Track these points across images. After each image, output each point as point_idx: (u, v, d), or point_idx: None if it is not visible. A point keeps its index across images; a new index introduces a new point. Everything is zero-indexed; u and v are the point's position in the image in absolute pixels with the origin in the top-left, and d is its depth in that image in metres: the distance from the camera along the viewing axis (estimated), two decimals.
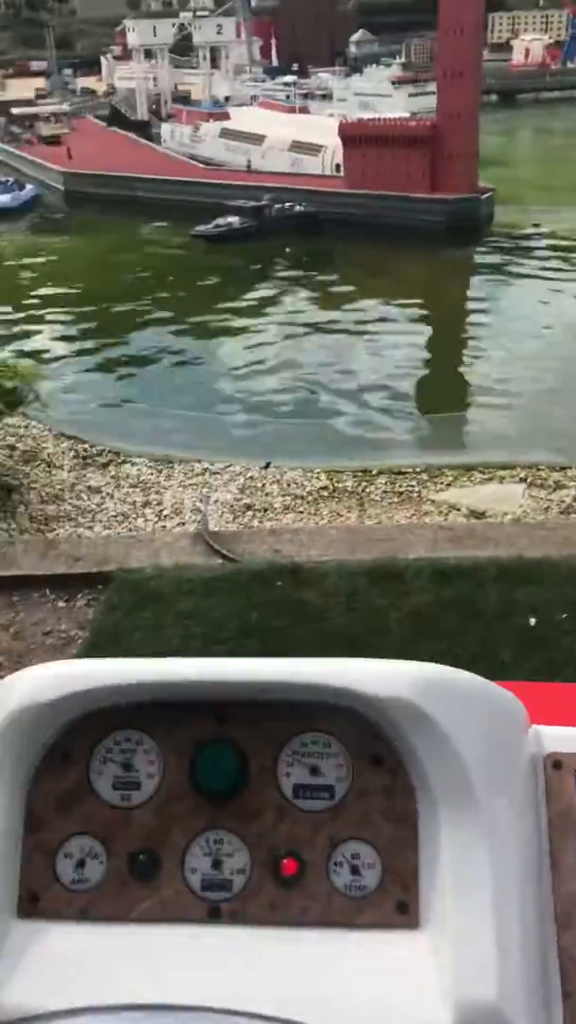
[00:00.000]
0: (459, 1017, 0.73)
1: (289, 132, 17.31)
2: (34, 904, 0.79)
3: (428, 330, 12.15)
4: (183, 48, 26.34)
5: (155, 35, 21.85)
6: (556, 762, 0.88)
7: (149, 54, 23.23)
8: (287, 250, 13.65)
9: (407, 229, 13.88)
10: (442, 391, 9.92)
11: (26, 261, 14.18)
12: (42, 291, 13.04)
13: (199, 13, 23.62)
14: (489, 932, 0.76)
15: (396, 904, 0.79)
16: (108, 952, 0.71)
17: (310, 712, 0.83)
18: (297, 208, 14.44)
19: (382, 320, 11.97)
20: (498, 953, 0.75)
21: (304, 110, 19.06)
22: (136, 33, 21.83)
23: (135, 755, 0.82)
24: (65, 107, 21.83)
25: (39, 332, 11.67)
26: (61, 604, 5.50)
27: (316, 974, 0.76)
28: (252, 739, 0.83)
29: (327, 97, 20.92)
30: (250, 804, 0.82)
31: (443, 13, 13.55)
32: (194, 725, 0.83)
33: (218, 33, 22.51)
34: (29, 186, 16.75)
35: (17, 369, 6.29)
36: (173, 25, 23.45)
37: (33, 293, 13.03)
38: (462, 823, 0.78)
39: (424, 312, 12.34)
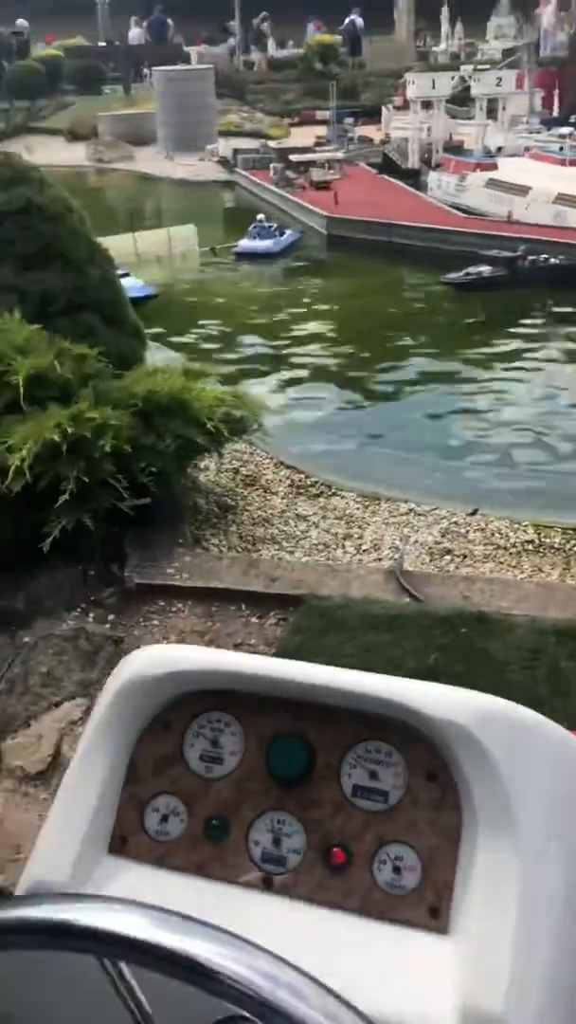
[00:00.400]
0: (464, 1020, 0.80)
1: (555, 184, 17.08)
2: (123, 845, 0.96)
3: None
4: (463, 98, 26.68)
5: (433, 87, 22.31)
6: None
7: (427, 105, 23.77)
8: (538, 303, 13.47)
9: None
10: None
11: (281, 300, 14.97)
12: (292, 329, 13.75)
13: (479, 67, 23.92)
14: (507, 950, 0.82)
15: (429, 908, 0.88)
16: (173, 896, 0.80)
17: (378, 723, 0.95)
18: (552, 260, 14.22)
19: None
20: (512, 971, 0.81)
21: (575, 163, 18.73)
22: (415, 85, 22.43)
23: (223, 734, 0.98)
24: (339, 154, 22.76)
25: (286, 367, 12.31)
26: (254, 620, 5.83)
27: (345, 954, 0.86)
28: (322, 738, 0.96)
29: None
30: (312, 794, 0.95)
31: None
32: (275, 717, 0.97)
33: (497, 85, 22.63)
34: (288, 231, 17.36)
35: (245, 400, 6.74)
36: (452, 78, 23.89)
37: (284, 331, 13.75)
38: (500, 847, 0.86)
39: None
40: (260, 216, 17.94)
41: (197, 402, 6.45)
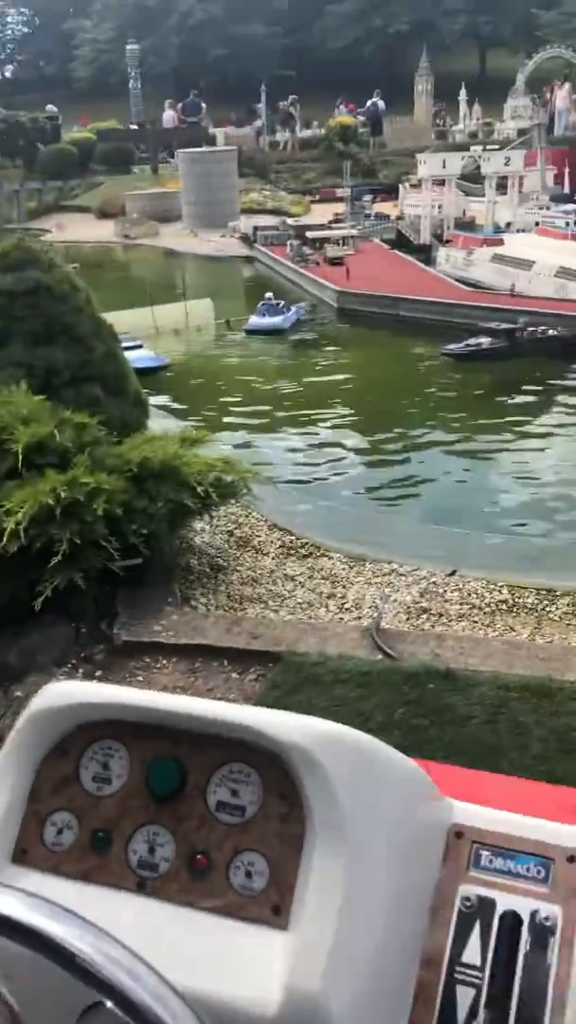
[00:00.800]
0: (285, 1000, 0.91)
1: (559, 258, 17.65)
2: (24, 855, 1.07)
3: None
4: (476, 176, 27.53)
5: (444, 167, 23.20)
6: (458, 832, 1.11)
7: (440, 183, 24.64)
8: (536, 373, 13.90)
9: None
10: None
11: (291, 371, 15.53)
12: (299, 398, 14.26)
13: (489, 147, 24.83)
14: (328, 939, 0.93)
15: (272, 907, 0.99)
16: (60, 899, 0.88)
17: (241, 747, 1.05)
18: (551, 332, 14.69)
19: None
20: (330, 957, 0.92)
21: None
22: (426, 165, 23.33)
23: (112, 758, 1.09)
24: (353, 231, 23.57)
25: (293, 434, 12.77)
26: (235, 675, 6.06)
27: (197, 946, 0.97)
28: (194, 760, 1.07)
29: None
30: (183, 809, 1.05)
31: None
32: (155, 743, 1.08)
33: (505, 164, 23.47)
34: (294, 307, 18.09)
35: (235, 466, 7.10)
36: (463, 158, 24.80)
37: (291, 400, 14.25)
38: (332, 853, 0.97)
39: None
40: (268, 295, 18.62)
41: (188, 468, 6.83)
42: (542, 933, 1.00)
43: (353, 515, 9.43)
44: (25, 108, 46.20)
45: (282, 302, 18.28)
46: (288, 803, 1.00)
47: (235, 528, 8.25)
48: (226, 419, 13.45)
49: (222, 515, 8.34)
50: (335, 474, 10.96)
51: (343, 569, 7.46)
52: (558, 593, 6.88)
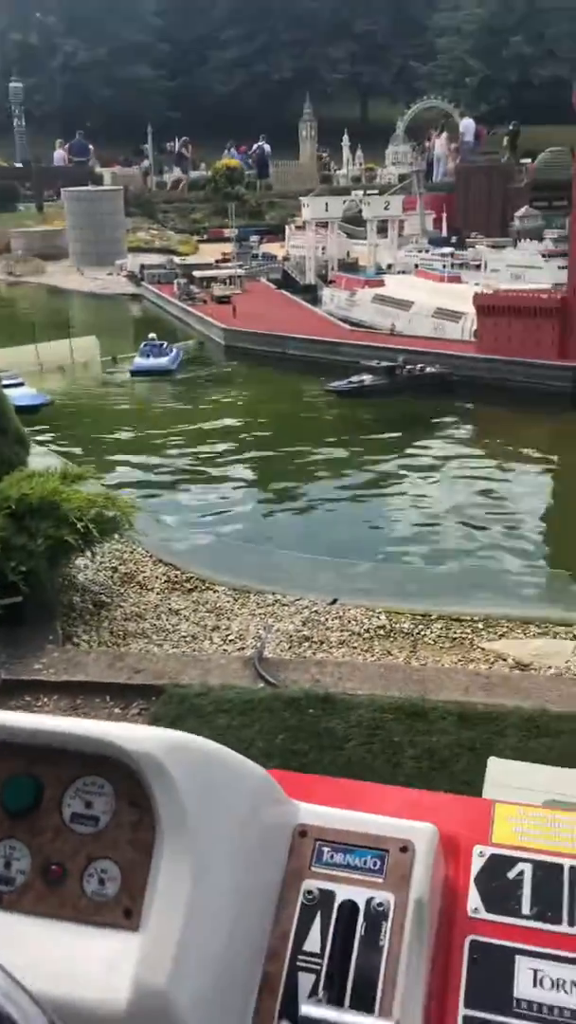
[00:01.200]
0: (134, 997, 0.93)
1: (435, 300, 18.39)
2: None
3: (546, 490, 12.46)
4: (360, 219, 28.39)
5: (326, 210, 23.90)
6: (303, 831, 1.16)
7: (323, 225, 25.35)
8: (416, 409, 14.43)
9: (534, 393, 14.38)
10: (549, 548, 10.16)
11: (177, 406, 15.65)
12: (182, 432, 14.37)
13: (369, 192, 25.75)
14: (174, 938, 0.96)
15: (124, 910, 1.01)
16: None
17: (94, 760, 1.06)
18: (428, 369, 15.29)
19: (500, 477, 12.41)
20: (176, 954, 0.95)
21: (455, 279, 20.21)
22: (310, 208, 23.99)
23: None
24: (240, 271, 23.98)
25: (178, 469, 12.86)
26: (117, 710, 6.05)
27: (51, 953, 0.99)
28: (49, 776, 1.08)
29: (482, 268, 22.05)
30: (39, 823, 1.07)
31: None
32: (11, 760, 1.09)
33: (385, 208, 24.34)
34: (175, 347, 18.26)
35: (116, 501, 7.13)
36: (344, 201, 25.61)
37: (175, 435, 14.34)
38: (178, 856, 0.99)
39: (542, 472, 12.69)
40: (152, 335, 18.52)
41: (68, 503, 6.82)
42: (376, 919, 1.06)
43: (238, 549, 9.56)
44: None
45: (164, 342, 18.35)
46: (139, 811, 1.03)
47: (119, 564, 8.25)
48: (113, 456, 13.44)
49: (106, 551, 8.33)
50: (222, 509, 11.09)
51: (228, 601, 7.56)
52: (433, 617, 7.16)
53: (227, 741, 3.89)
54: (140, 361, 17.77)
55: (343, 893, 1.08)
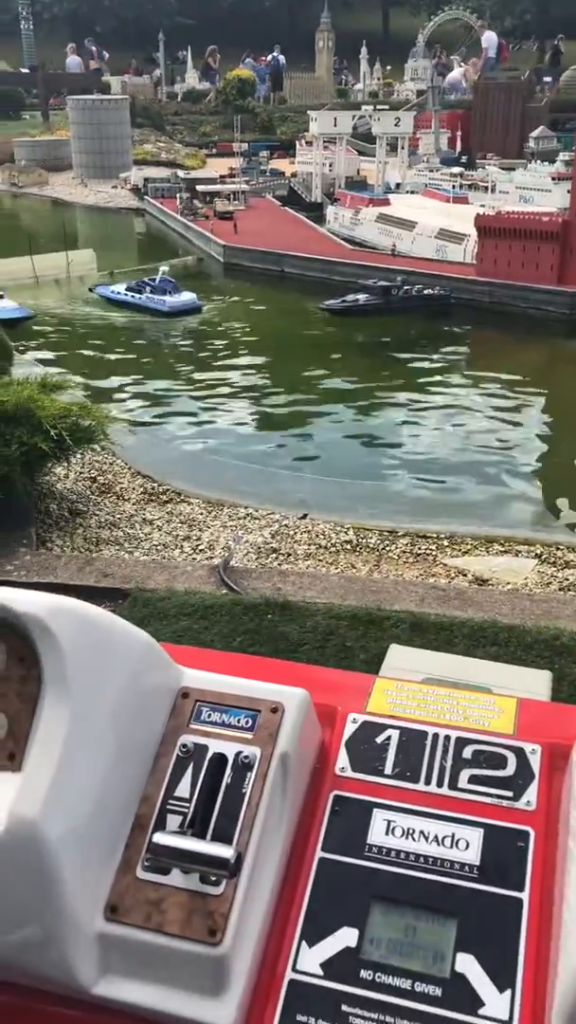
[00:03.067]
0: (7, 825, 1.01)
1: (439, 220, 18.07)
2: None
3: (535, 414, 12.43)
4: (371, 136, 27.73)
5: (335, 125, 23.32)
6: (185, 693, 1.24)
7: (332, 141, 24.77)
8: (411, 331, 14.32)
9: (531, 318, 14.25)
10: (531, 471, 10.20)
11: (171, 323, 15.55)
12: (175, 347, 14.34)
13: (380, 107, 25.02)
14: (48, 774, 1.04)
15: (8, 754, 1.09)
16: None
17: None
18: (426, 291, 15.13)
19: (491, 403, 12.39)
20: (49, 788, 1.03)
21: (462, 200, 19.82)
22: (317, 123, 23.40)
23: None
24: (244, 186, 23.53)
25: (165, 382, 12.86)
26: None
27: None
28: None
29: (491, 189, 21.59)
30: None
31: None
32: None
33: (395, 125, 23.72)
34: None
35: (91, 410, 7.20)
36: (354, 117, 24.95)
37: (168, 350, 14.30)
38: (59, 705, 1.08)
39: (534, 397, 12.65)
40: (164, 268, 17.04)
41: (43, 411, 6.90)
42: (242, 769, 1.14)
43: (215, 463, 9.65)
44: None
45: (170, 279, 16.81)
46: (26, 667, 1.11)
47: (98, 475, 8.36)
48: (101, 370, 13.43)
49: (86, 462, 8.45)
50: (207, 424, 11.15)
51: (201, 514, 7.68)
52: (400, 533, 7.27)
53: (186, 642, 4.05)
54: (173, 300, 16.13)
55: (215, 747, 1.17)
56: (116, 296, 16.48)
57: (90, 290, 16.89)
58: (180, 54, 46.86)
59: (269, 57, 43.15)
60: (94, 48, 41.35)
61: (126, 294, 16.44)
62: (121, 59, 46.40)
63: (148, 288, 16.42)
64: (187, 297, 16.35)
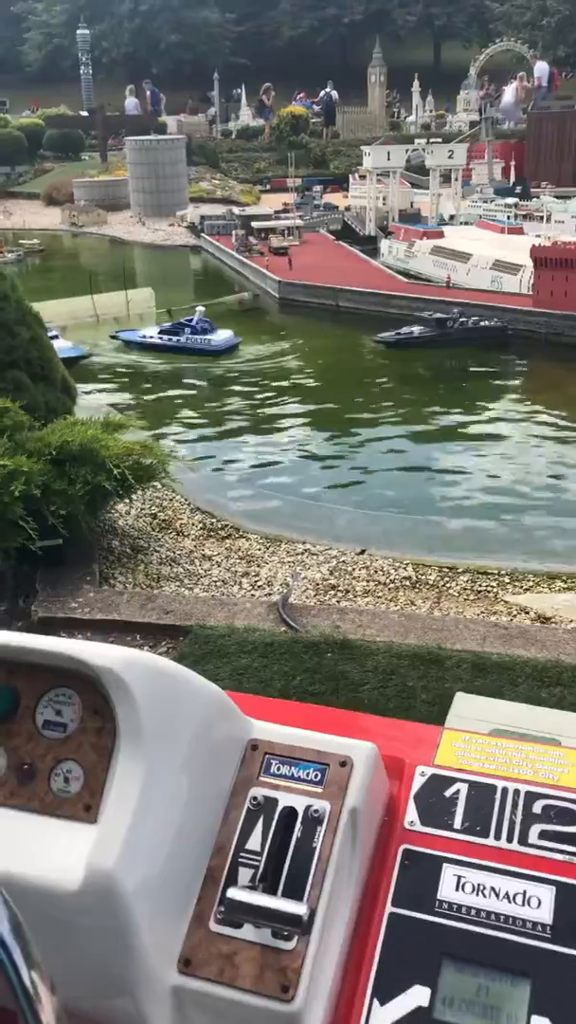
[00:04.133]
0: (85, 876, 1.05)
1: (494, 252, 18.08)
2: None
3: None
4: (424, 168, 27.85)
5: (388, 159, 23.53)
6: (254, 745, 1.27)
7: (386, 174, 24.98)
8: (467, 363, 14.32)
9: None
10: None
11: (231, 359, 15.74)
12: (230, 384, 14.52)
13: (433, 140, 25.20)
14: (124, 827, 1.07)
15: (84, 806, 1.13)
16: None
17: (64, 673, 1.18)
18: (482, 323, 15.12)
19: (548, 434, 12.30)
20: (124, 841, 1.06)
21: (517, 231, 19.80)
22: (371, 157, 23.64)
23: None
24: (298, 222, 23.81)
25: (224, 418, 13.04)
26: (147, 648, 6.30)
27: (22, 839, 1.12)
28: (24, 686, 1.21)
29: (546, 219, 21.54)
30: (14, 728, 1.20)
31: None
32: None
33: (449, 157, 23.85)
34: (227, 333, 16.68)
35: (153, 449, 7.34)
36: (407, 150, 25.14)
37: (226, 385, 14.48)
38: (134, 758, 1.11)
39: None
40: (200, 308, 16.99)
41: (106, 451, 7.06)
42: (312, 823, 1.17)
43: (274, 498, 9.73)
44: None
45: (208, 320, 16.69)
46: (101, 719, 1.15)
47: (159, 511, 8.50)
48: (164, 407, 13.67)
49: (147, 498, 8.60)
50: (264, 459, 11.25)
51: (259, 549, 7.75)
52: (459, 570, 7.25)
53: (247, 680, 4.10)
54: (217, 339, 16.19)
55: (285, 800, 1.19)
56: (147, 340, 16.18)
57: (112, 336, 16.44)
58: (235, 92, 47.78)
59: (322, 93, 43.69)
60: (149, 92, 42.21)
61: (160, 337, 16.18)
62: (178, 99, 47.41)
63: (188, 329, 16.27)
64: (227, 334, 16.34)
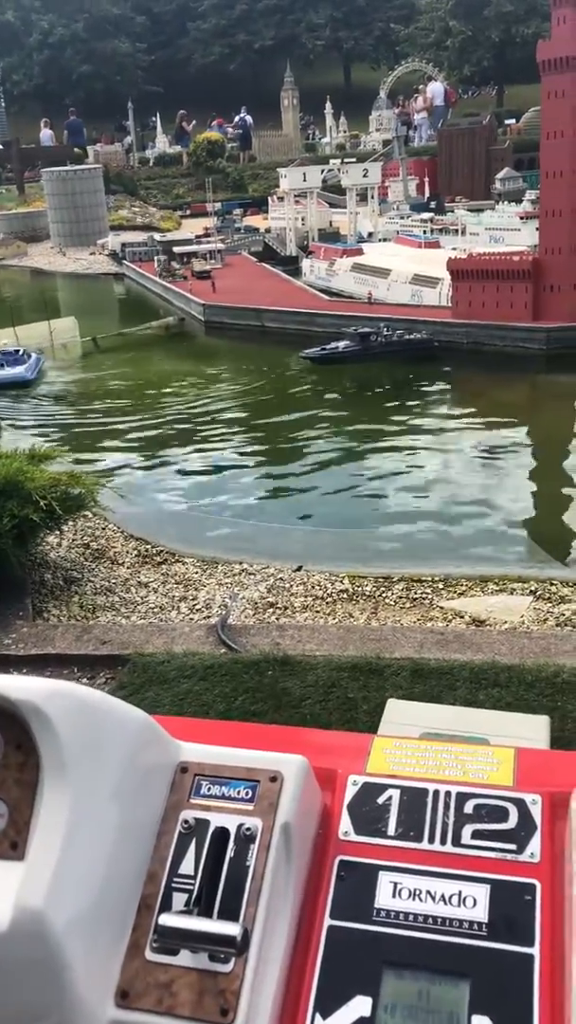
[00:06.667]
0: (13, 916, 1.02)
1: (413, 266, 18.40)
2: None
3: (519, 450, 12.55)
4: (341, 187, 28.24)
5: (305, 180, 23.83)
6: (184, 767, 1.25)
7: (303, 195, 25.28)
8: (392, 376, 14.53)
9: (509, 356, 14.46)
10: (516, 509, 10.27)
11: (155, 380, 15.75)
12: (155, 405, 14.51)
13: (347, 160, 25.62)
14: (52, 863, 1.04)
15: (11, 843, 1.10)
16: None
17: None
18: (407, 336, 15.37)
19: (472, 439, 12.51)
20: (54, 876, 1.03)
21: (433, 245, 20.20)
22: (287, 179, 23.91)
23: None
24: (220, 245, 23.93)
25: (152, 443, 12.99)
26: (84, 680, 6.21)
27: None
28: None
29: (462, 232, 22.01)
30: None
31: (543, 160, 14.49)
32: None
33: (364, 176, 24.24)
34: (34, 354, 16.57)
35: (80, 478, 7.27)
36: (322, 171, 25.49)
37: (151, 410, 14.46)
38: (59, 791, 1.08)
39: (517, 433, 12.79)
40: (4, 342, 16.69)
41: (32, 483, 6.97)
42: (244, 842, 1.16)
43: (207, 521, 9.72)
44: None
45: (21, 349, 16.61)
46: (23, 753, 1.12)
47: (91, 540, 8.41)
48: (92, 433, 13.57)
49: (78, 528, 8.51)
50: (196, 482, 11.24)
51: (196, 572, 7.72)
52: (394, 579, 7.32)
53: (187, 704, 4.05)
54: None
55: (216, 821, 1.18)
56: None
57: None
58: (150, 120, 47.90)
59: (237, 118, 44.09)
60: (68, 123, 42.03)
61: None
62: (92, 129, 47.34)
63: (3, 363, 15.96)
64: (22, 366, 15.83)
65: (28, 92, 60.34)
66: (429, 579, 7.35)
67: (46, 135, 42.76)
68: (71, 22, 59.78)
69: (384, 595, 7.15)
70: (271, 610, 7.06)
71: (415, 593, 7.16)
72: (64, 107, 49.13)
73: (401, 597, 7.08)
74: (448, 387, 14.52)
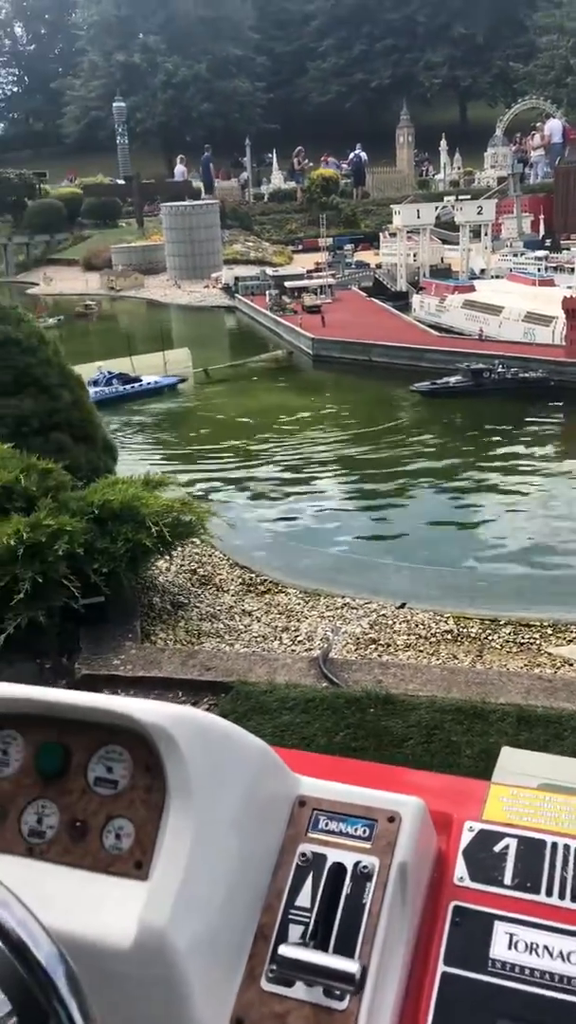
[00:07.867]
0: (138, 934, 1.06)
1: (526, 304, 18.20)
2: None
3: None
4: (454, 224, 28.20)
5: (418, 217, 23.91)
6: (302, 801, 1.29)
7: (415, 231, 25.37)
8: (503, 414, 14.37)
9: None
10: None
11: (269, 412, 15.97)
12: (268, 439, 14.69)
13: (462, 197, 25.62)
14: (175, 884, 1.08)
15: (135, 863, 1.14)
16: None
17: (116, 731, 1.20)
18: (521, 374, 15.21)
19: None
20: (176, 897, 1.07)
21: (548, 282, 19.94)
22: (401, 215, 24.04)
23: (10, 745, 1.27)
24: (331, 280, 24.18)
25: (261, 475, 13.17)
26: (188, 705, 6.30)
27: (74, 896, 1.13)
28: (76, 744, 1.23)
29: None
30: (67, 785, 1.22)
31: None
32: (44, 730, 1.24)
33: (477, 213, 24.18)
34: (153, 378, 17.25)
35: (192, 506, 7.44)
36: (436, 208, 25.53)
37: (264, 442, 14.65)
38: (183, 815, 1.12)
39: None
40: (100, 364, 16.90)
41: (146, 508, 7.17)
42: (361, 879, 1.17)
43: (312, 552, 9.76)
44: (15, 165, 47.46)
45: (116, 371, 16.95)
46: (151, 776, 1.17)
47: (198, 567, 8.58)
48: (201, 461, 13.84)
49: (186, 554, 8.69)
50: (303, 513, 11.32)
51: (298, 604, 7.77)
52: (501, 622, 7.21)
53: (288, 737, 4.11)
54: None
55: (333, 856, 1.21)
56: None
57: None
58: (267, 157, 49.01)
59: (351, 155, 44.66)
60: (203, 160, 43.24)
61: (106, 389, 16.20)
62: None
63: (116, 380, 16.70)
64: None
65: (151, 129, 62.67)
66: (537, 624, 7.20)
67: (179, 171, 44.13)
68: (195, 63, 61.92)
69: (490, 638, 7.04)
70: (373, 646, 7.04)
71: (522, 638, 7.03)
72: (184, 144, 50.79)
73: (508, 641, 6.96)
74: (560, 427, 14.26)
